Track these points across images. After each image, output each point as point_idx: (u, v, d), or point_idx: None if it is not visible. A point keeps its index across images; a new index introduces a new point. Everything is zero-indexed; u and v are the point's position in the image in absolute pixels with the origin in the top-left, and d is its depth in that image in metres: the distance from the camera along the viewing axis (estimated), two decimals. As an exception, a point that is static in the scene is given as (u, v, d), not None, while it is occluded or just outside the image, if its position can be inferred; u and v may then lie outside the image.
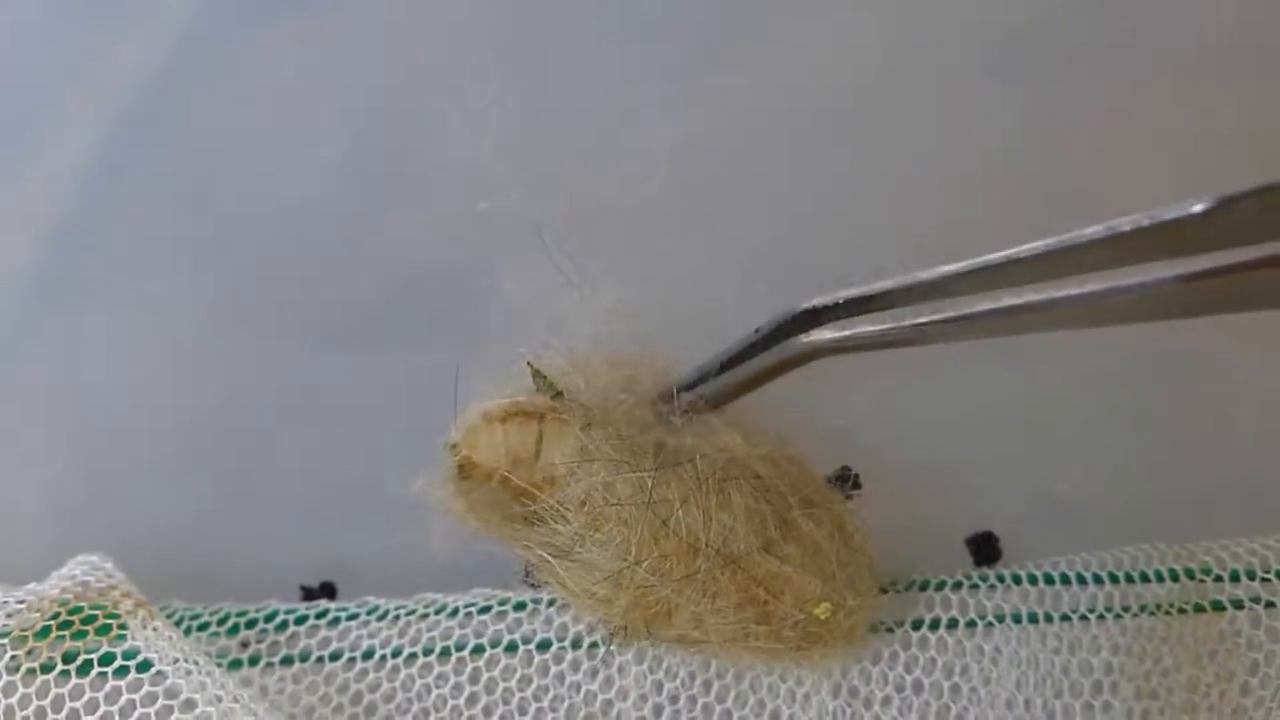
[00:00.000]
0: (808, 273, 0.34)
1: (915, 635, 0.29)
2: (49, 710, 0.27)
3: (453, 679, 0.29)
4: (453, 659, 0.29)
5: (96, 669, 0.28)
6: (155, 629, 0.28)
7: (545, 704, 0.29)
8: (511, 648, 0.29)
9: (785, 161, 0.34)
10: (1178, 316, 0.21)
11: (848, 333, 0.25)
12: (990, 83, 0.34)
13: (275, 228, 0.34)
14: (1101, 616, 0.29)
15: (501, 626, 0.29)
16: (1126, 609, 0.29)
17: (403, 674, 0.29)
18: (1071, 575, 0.30)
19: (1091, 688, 0.29)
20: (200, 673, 0.27)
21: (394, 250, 0.34)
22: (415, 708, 0.29)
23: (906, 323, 0.24)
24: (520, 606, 0.30)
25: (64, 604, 0.28)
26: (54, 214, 0.34)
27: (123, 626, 0.28)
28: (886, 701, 0.29)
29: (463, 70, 0.34)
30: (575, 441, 0.27)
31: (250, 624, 0.30)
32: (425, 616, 0.30)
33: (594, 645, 0.29)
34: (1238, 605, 0.30)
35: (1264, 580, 0.30)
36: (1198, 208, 0.19)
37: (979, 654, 0.29)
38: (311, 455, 0.34)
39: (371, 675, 0.29)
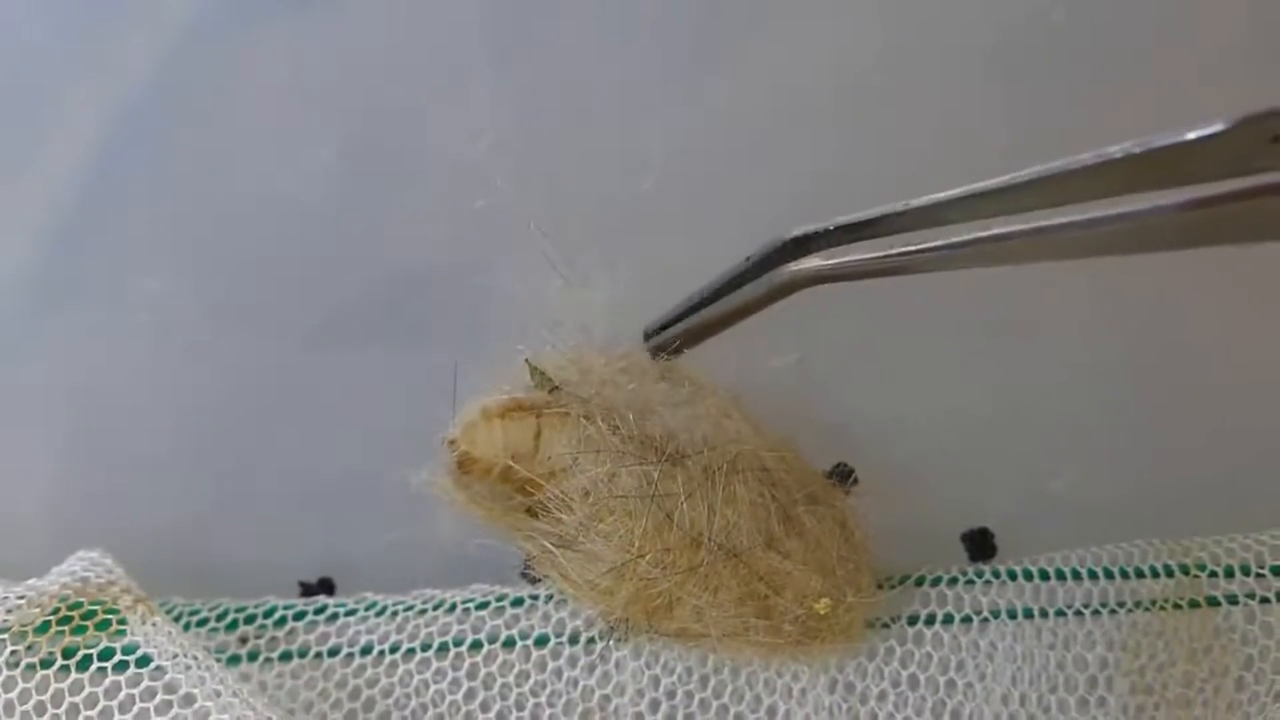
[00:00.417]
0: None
1: (911, 630, 0.29)
2: (49, 705, 0.27)
3: (450, 674, 0.29)
4: (450, 654, 0.29)
5: (96, 664, 0.28)
6: (154, 624, 0.28)
7: (543, 699, 0.29)
8: (509, 643, 0.29)
9: (779, 159, 0.34)
10: (1171, 248, 0.21)
11: (836, 261, 0.24)
12: (986, 83, 0.34)
13: (273, 226, 0.34)
14: (1096, 612, 0.29)
15: (499, 622, 0.30)
16: (1121, 604, 0.29)
17: (401, 669, 0.29)
18: (1066, 571, 0.30)
19: (1086, 683, 0.29)
20: (199, 668, 0.27)
21: (391, 248, 0.34)
22: (413, 703, 0.29)
23: (895, 251, 0.23)
24: (518, 602, 0.30)
25: (64, 600, 0.28)
26: (52, 213, 0.34)
27: (122, 622, 0.28)
28: (882, 696, 0.29)
29: (459, 69, 0.34)
30: (579, 432, 0.27)
31: (249, 620, 0.30)
32: (423, 612, 0.30)
33: (591, 640, 0.29)
34: (1232, 601, 0.30)
35: (1258, 576, 0.30)
36: (1191, 135, 0.19)
37: (975, 649, 0.29)
38: (310, 452, 0.34)
39: (370, 671, 0.29)
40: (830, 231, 0.24)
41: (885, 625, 0.29)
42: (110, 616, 0.28)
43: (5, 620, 0.28)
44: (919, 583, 0.30)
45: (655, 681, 0.29)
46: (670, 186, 0.33)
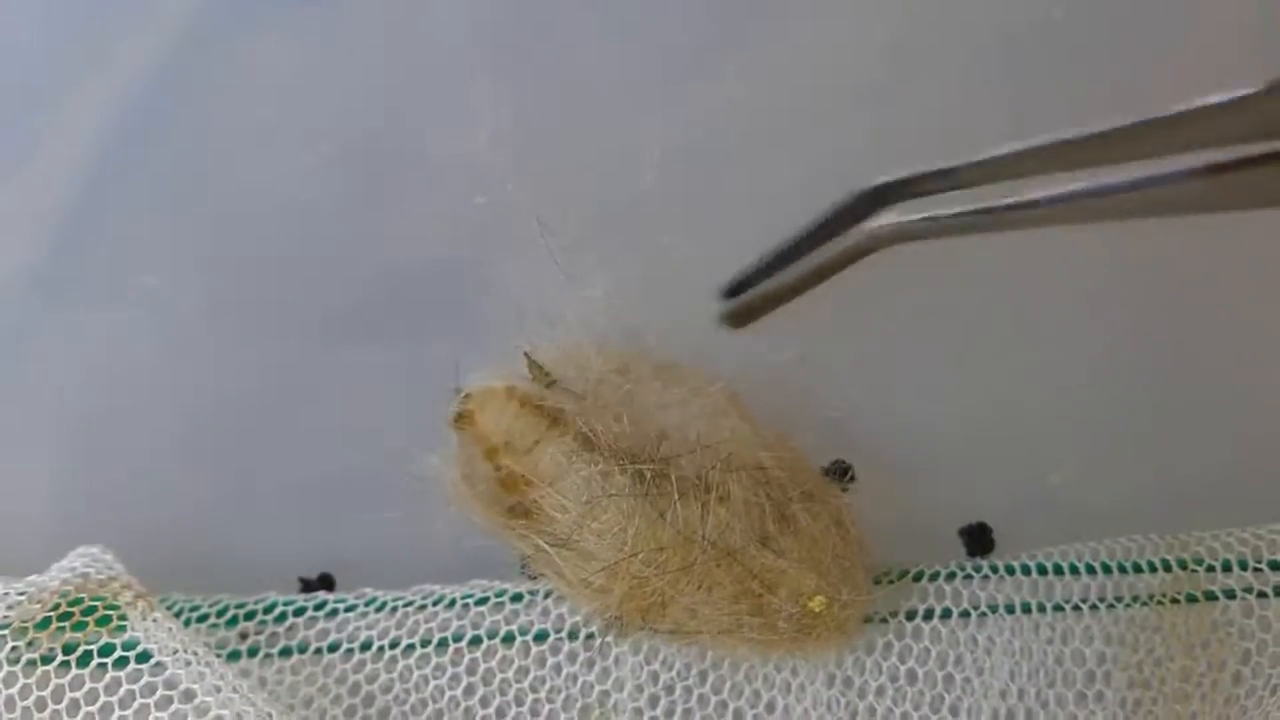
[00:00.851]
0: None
1: (909, 625, 0.29)
2: (49, 701, 0.27)
3: (450, 670, 0.29)
4: (450, 650, 0.29)
5: (96, 660, 0.28)
6: (155, 620, 0.28)
7: (542, 694, 0.29)
8: (509, 639, 0.29)
9: (779, 157, 0.34)
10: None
11: (917, 217, 0.23)
12: (987, 82, 0.34)
13: (272, 223, 0.34)
14: (1094, 607, 0.29)
15: (499, 618, 0.30)
16: (1119, 599, 0.30)
17: (400, 665, 0.29)
18: (1064, 566, 0.30)
19: (1084, 677, 0.29)
20: (199, 663, 0.28)
21: (391, 244, 0.34)
22: (413, 698, 0.29)
23: (977, 207, 0.22)
24: (517, 598, 0.30)
25: (64, 595, 0.28)
26: (53, 211, 0.34)
27: (122, 618, 0.28)
28: (881, 691, 0.29)
29: (459, 66, 0.34)
30: (572, 465, 0.27)
31: (249, 616, 0.30)
32: (423, 608, 0.30)
33: (590, 636, 0.29)
34: (1230, 595, 0.30)
35: (1255, 570, 0.30)
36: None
37: (972, 644, 0.29)
38: (310, 448, 0.34)
39: (369, 666, 0.29)
40: (908, 181, 0.23)
41: (884, 620, 0.29)
42: (111, 612, 0.28)
43: (6, 616, 0.28)
44: (917, 578, 0.30)
45: (654, 677, 0.29)
46: (670, 183, 0.33)
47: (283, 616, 0.30)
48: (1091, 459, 0.33)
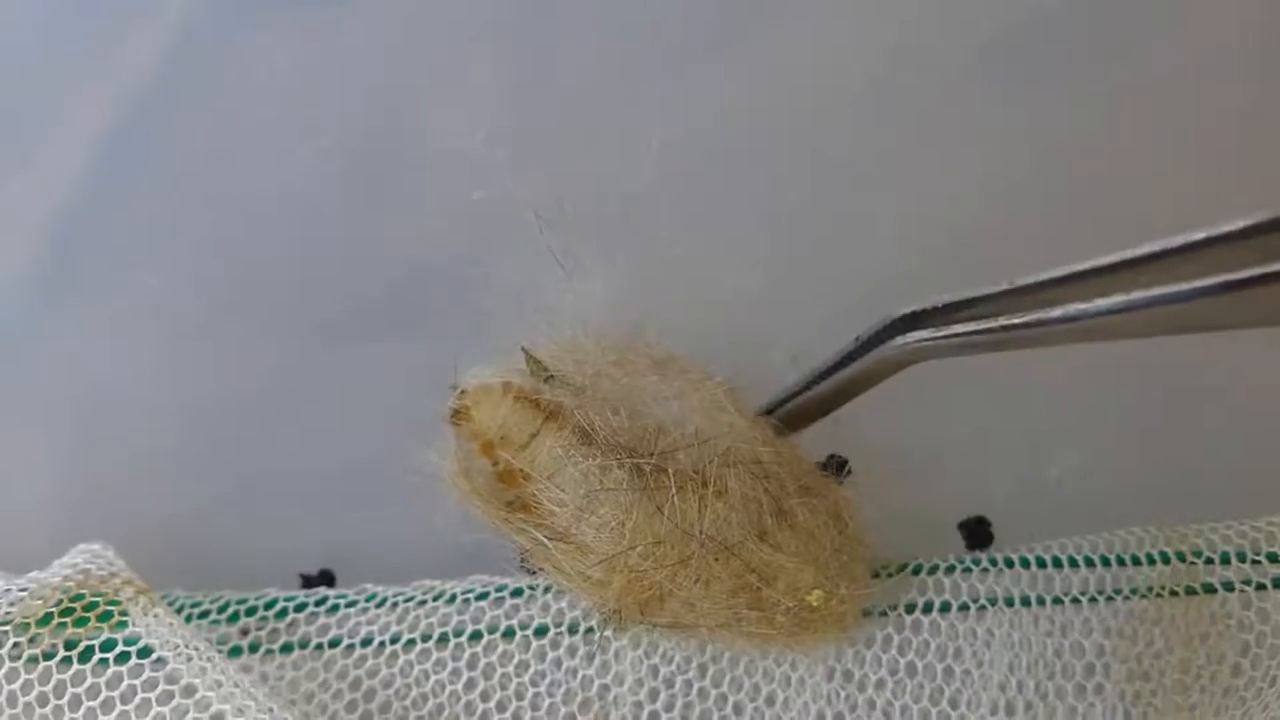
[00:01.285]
0: (800, 260, 0.34)
1: (908, 618, 0.29)
2: (51, 696, 0.27)
3: (450, 664, 0.29)
4: (450, 645, 0.29)
5: (98, 655, 0.28)
6: (156, 616, 0.28)
7: (542, 688, 0.29)
8: (509, 633, 0.29)
9: (777, 151, 0.34)
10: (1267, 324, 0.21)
11: (943, 334, 0.25)
12: (985, 77, 0.34)
13: (271, 221, 0.34)
14: (1093, 599, 0.29)
15: (499, 612, 0.30)
16: (1118, 592, 0.30)
17: (401, 660, 0.29)
18: (1063, 558, 0.30)
19: (1083, 670, 0.29)
20: (200, 658, 0.28)
21: (390, 241, 0.34)
22: (413, 693, 0.29)
23: (998, 324, 0.24)
24: (517, 593, 0.30)
25: (66, 592, 0.28)
26: (53, 211, 0.34)
27: (124, 613, 0.28)
28: (880, 684, 0.29)
29: (458, 61, 0.34)
30: (570, 460, 0.27)
31: (250, 611, 0.30)
32: (423, 603, 0.30)
33: (590, 630, 0.29)
34: (1228, 588, 0.30)
35: (1254, 563, 0.30)
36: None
37: (971, 637, 0.29)
38: (310, 445, 0.34)
39: (370, 661, 0.29)
40: (938, 309, 0.25)
41: (883, 613, 0.29)
42: (112, 608, 0.28)
43: (8, 612, 0.28)
44: (916, 571, 0.30)
45: (654, 670, 0.29)
46: (668, 178, 0.33)
47: (284, 612, 0.30)
48: (1090, 452, 0.33)
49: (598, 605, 0.28)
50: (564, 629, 0.29)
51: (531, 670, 0.29)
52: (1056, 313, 0.23)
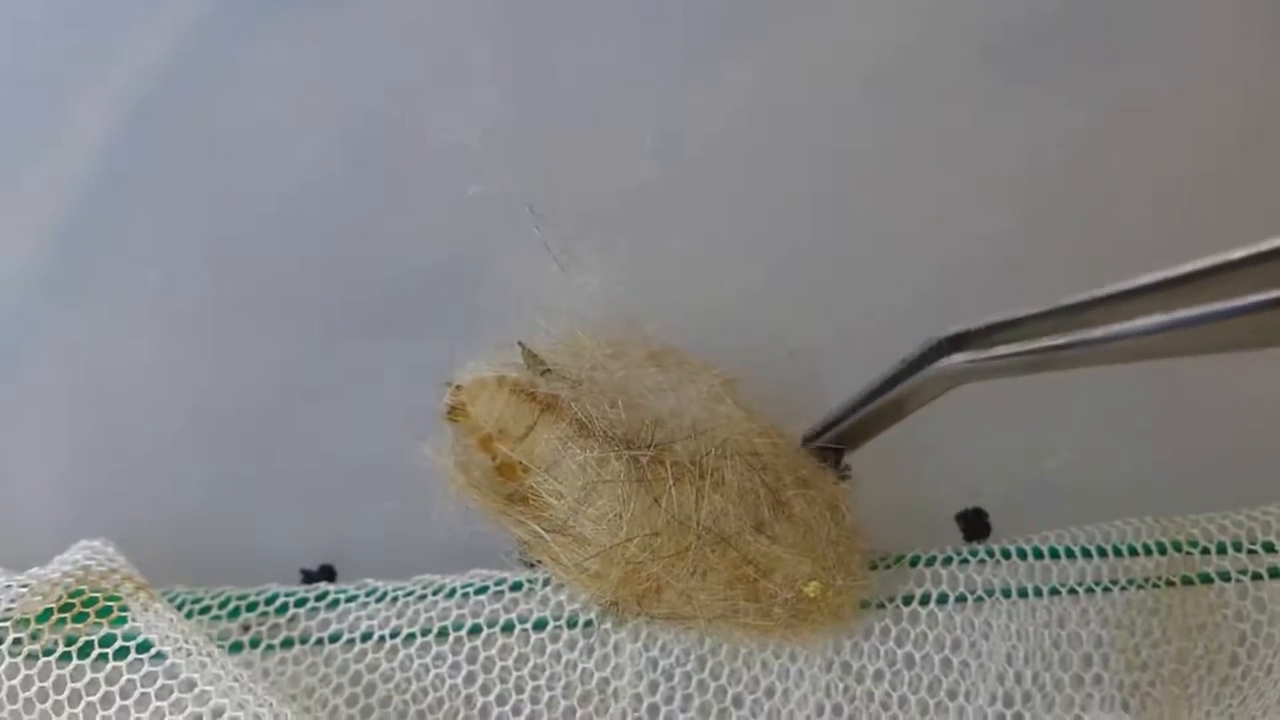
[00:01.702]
0: (799, 256, 0.34)
1: (906, 610, 0.29)
2: (51, 691, 0.27)
3: (450, 658, 0.29)
4: (450, 639, 0.29)
5: (97, 650, 0.28)
6: (155, 611, 0.28)
7: (542, 681, 0.29)
8: (508, 627, 0.30)
9: (775, 147, 0.34)
10: None
11: (987, 355, 0.25)
12: (987, 77, 0.34)
13: (270, 219, 0.35)
14: (1090, 590, 0.30)
15: (498, 606, 0.30)
16: (1115, 582, 0.30)
17: (401, 654, 0.29)
18: (1060, 549, 0.30)
19: (1081, 660, 0.29)
20: (200, 653, 0.28)
21: (389, 238, 0.34)
22: (414, 687, 0.29)
23: (1041, 346, 0.24)
24: (517, 586, 0.30)
25: (66, 588, 0.28)
26: (57, 209, 0.34)
27: (123, 609, 0.28)
28: (879, 675, 0.29)
29: (454, 57, 0.34)
30: (567, 448, 0.27)
31: (251, 607, 0.30)
32: (423, 597, 0.30)
33: (589, 623, 0.29)
34: (1225, 578, 0.30)
35: (1250, 553, 0.30)
36: None
37: (970, 628, 0.29)
38: (309, 441, 0.34)
39: (370, 655, 0.30)
40: (981, 330, 0.25)
41: (881, 605, 0.30)
42: (112, 604, 0.28)
43: (8, 609, 0.28)
44: (914, 563, 0.30)
45: (653, 663, 0.29)
46: (666, 174, 0.33)
47: (284, 607, 0.30)
48: (1087, 443, 0.33)
49: (595, 597, 0.28)
50: (563, 622, 0.29)
51: (531, 663, 0.29)
52: (1098, 333, 0.23)
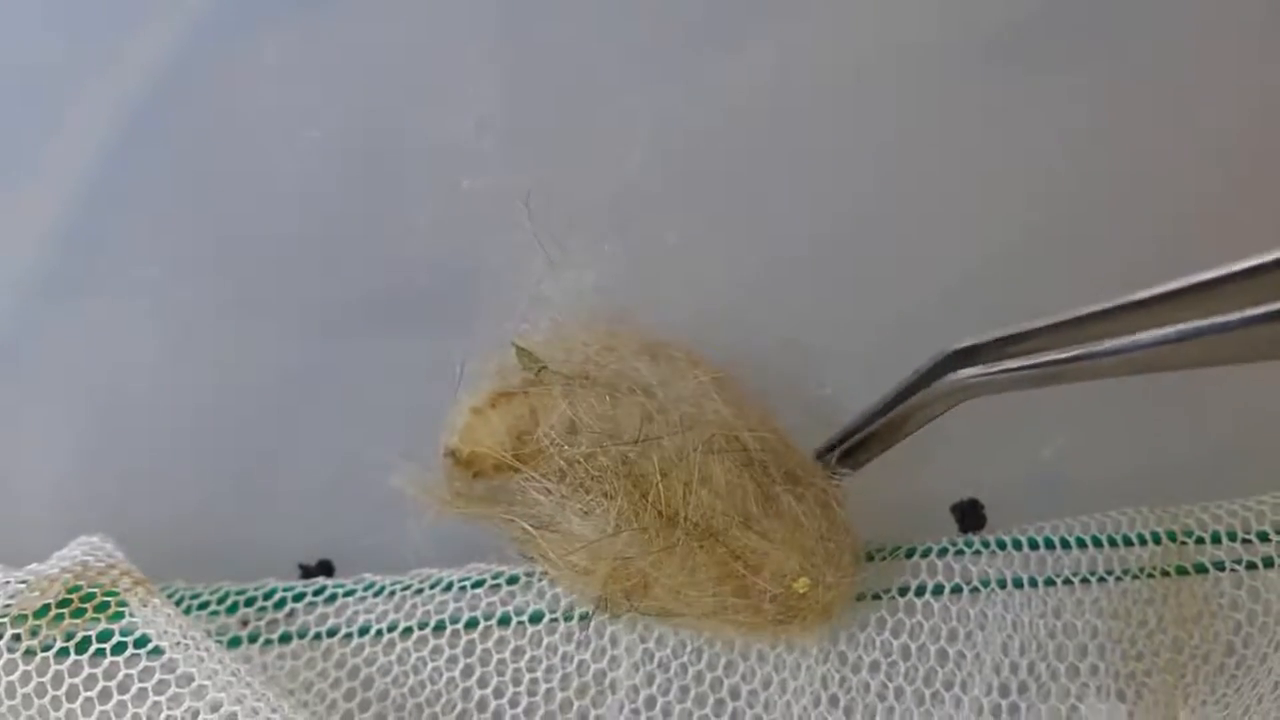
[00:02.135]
0: (794, 249, 0.34)
1: (903, 601, 0.30)
2: (49, 687, 0.28)
3: (447, 652, 0.29)
4: (447, 632, 0.30)
5: (95, 646, 0.28)
6: (154, 606, 0.28)
7: (539, 674, 0.29)
8: (505, 620, 0.30)
9: (770, 142, 0.34)
10: None
11: (995, 370, 0.25)
12: (985, 71, 0.34)
13: (266, 217, 0.35)
14: (1086, 580, 0.30)
15: (495, 600, 0.30)
16: (1110, 573, 0.30)
17: (399, 648, 0.30)
18: (1056, 540, 0.30)
19: (1077, 650, 0.29)
20: (198, 648, 0.28)
21: (386, 234, 0.34)
22: (411, 680, 0.29)
23: (1049, 359, 0.24)
24: (513, 580, 0.30)
25: (64, 584, 0.29)
26: (57, 209, 0.34)
27: (121, 604, 0.28)
28: (875, 666, 0.29)
29: (448, 52, 0.34)
30: (560, 410, 0.27)
31: (249, 602, 0.30)
32: (420, 591, 0.30)
33: (585, 616, 0.29)
34: (1220, 567, 0.30)
35: (1245, 542, 0.30)
36: None
37: (966, 619, 0.29)
38: (308, 437, 0.34)
39: (368, 650, 0.30)
40: (990, 344, 0.26)
41: (877, 596, 0.30)
42: (110, 599, 0.29)
43: (6, 605, 0.28)
44: (910, 554, 0.30)
45: (650, 655, 0.29)
46: (662, 167, 0.33)
47: (282, 602, 0.30)
48: (1082, 433, 0.33)
49: (584, 593, 0.28)
50: (560, 615, 0.29)
51: (528, 656, 0.29)
52: (1105, 346, 0.23)
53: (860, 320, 0.34)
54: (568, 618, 0.29)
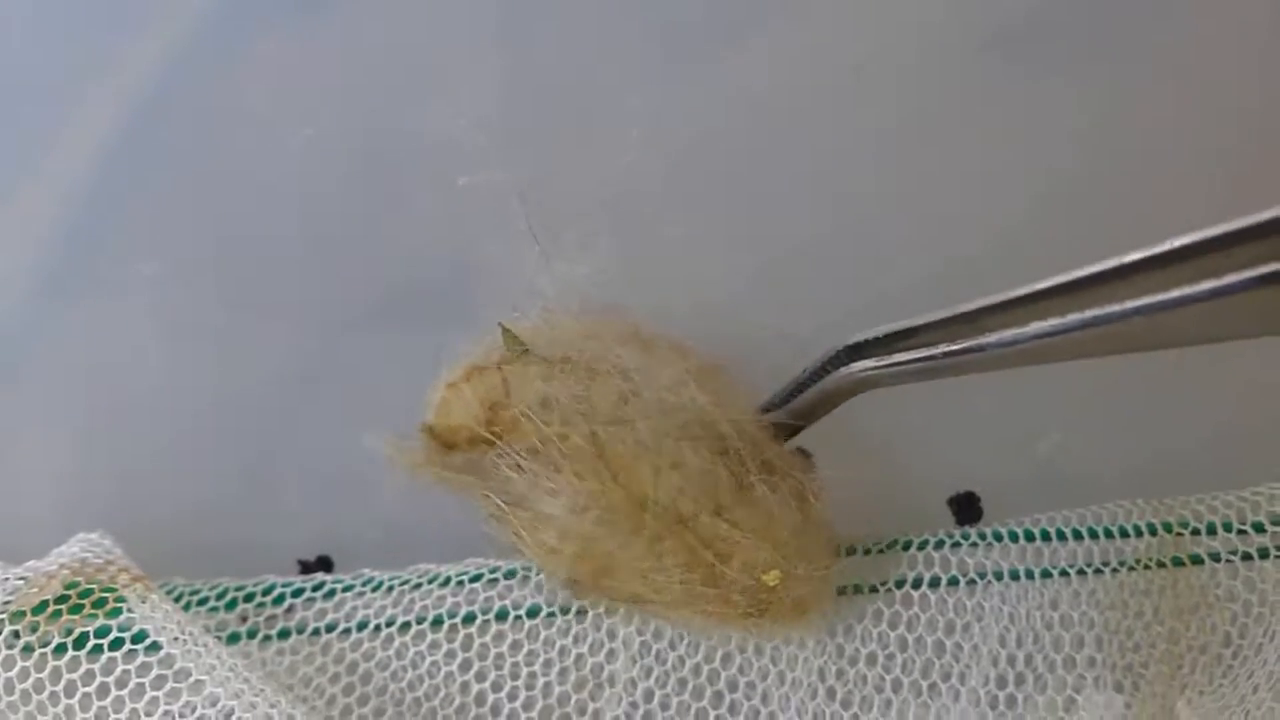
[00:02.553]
0: (790, 242, 0.34)
1: (900, 593, 0.30)
2: (47, 684, 0.28)
3: (445, 646, 0.29)
4: (445, 627, 0.30)
5: (93, 642, 0.28)
6: (152, 603, 0.28)
7: (537, 668, 0.29)
8: (502, 615, 0.30)
9: (765, 136, 0.34)
10: (1218, 338, 0.22)
11: (886, 363, 0.26)
12: (985, 68, 0.34)
13: (264, 213, 0.35)
14: (1082, 572, 0.30)
15: (493, 594, 0.30)
16: (1107, 564, 0.30)
17: (397, 642, 0.30)
18: (1053, 532, 0.30)
19: (1074, 641, 0.29)
20: (196, 644, 0.28)
21: (380, 230, 0.34)
22: (410, 675, 0.29)
23: (940, 352, 0.25)
24: (511, 574, 0.30)
25: (62, 580, 0.29)
26: (58, 208, 0.34)
27: (119, 600, 0.29)
28: (872, 658, 0.29)
29: (442, 47, 0.34)
30: (536, 390, 0.27)
31: (248, 598, 0.30)
32: (418, 586, 0.30)
33: (583, 610, 0.29)
34: (1216, 558, 0.30)
35: (1241, 533, 0.30)
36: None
37: (963, 611, 0.29)
38: (306, 433, 0.34)
39: (366, 645, 0.30)
40: (881, 339, 0.26)
41: (874, 589, 0.30)
42: (108, 595, 0.29)
43: (5, 601, 0.28)
44: (906, 547, 0.30)
45: (648, 648, 0.29)
46: (657, 162, 0.33)
47: (281, 598, 0.30)
48: (1078, 427, 0.33)
49: (553, 573, 0.28)
50: (557, 609, 0.30)
51: (525, 650, 0.29)
52: (993, 338, 0.24)
53: (856, 316, 0.33)
54: (565, 611, 0.30)
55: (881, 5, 0.35)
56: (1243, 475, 0.31)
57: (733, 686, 0.29)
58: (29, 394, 0.34)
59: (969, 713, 0.29)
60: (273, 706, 0.27)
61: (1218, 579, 0.30)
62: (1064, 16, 0.34)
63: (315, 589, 0.30)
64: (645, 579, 0.27)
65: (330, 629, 0.30)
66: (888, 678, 0.29)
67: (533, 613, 0.30)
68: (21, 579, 0.29)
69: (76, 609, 0.28)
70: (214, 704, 0.27)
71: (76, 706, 0.27)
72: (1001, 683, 0.29)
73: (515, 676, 0.29)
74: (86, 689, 0.28)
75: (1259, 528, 0.30)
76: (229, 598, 0.30)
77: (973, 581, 0.30)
